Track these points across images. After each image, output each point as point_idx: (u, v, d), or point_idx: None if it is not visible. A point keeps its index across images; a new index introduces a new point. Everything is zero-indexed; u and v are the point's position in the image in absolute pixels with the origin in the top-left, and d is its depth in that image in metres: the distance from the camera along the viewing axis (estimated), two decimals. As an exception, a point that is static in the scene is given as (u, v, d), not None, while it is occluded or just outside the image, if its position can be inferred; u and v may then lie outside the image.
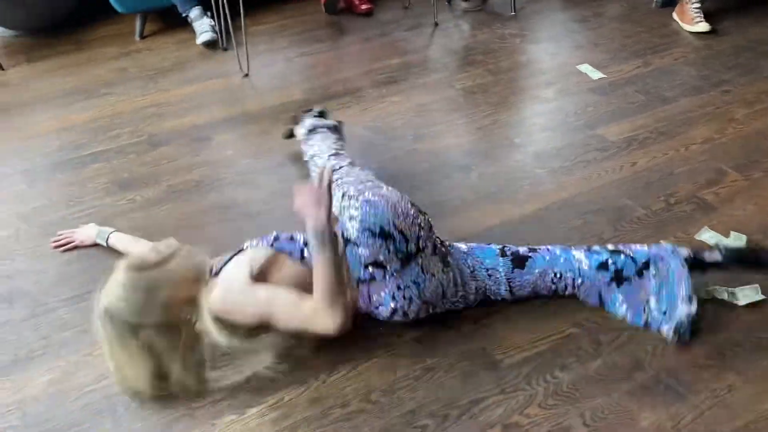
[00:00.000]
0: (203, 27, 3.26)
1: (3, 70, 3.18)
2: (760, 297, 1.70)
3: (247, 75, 3.03)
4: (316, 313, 1.47)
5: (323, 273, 1.47)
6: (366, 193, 1.62)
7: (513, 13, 3.48)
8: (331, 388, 1.55)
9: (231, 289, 1.51)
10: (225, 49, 3.26)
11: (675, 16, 3.27)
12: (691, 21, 3.15)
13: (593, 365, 1.57)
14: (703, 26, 3.12)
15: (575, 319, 1.69)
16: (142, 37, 3.46)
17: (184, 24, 3.37)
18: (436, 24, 3.39)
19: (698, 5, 3.16)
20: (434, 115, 2.64)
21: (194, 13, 3.29)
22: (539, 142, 2.44)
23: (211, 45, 3.26)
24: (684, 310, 1.57)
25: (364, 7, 3.51)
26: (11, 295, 1.88)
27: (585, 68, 2.89)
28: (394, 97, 2.79)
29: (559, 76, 2.86)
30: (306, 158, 2.18)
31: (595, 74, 2.85)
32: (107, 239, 1.98)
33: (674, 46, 3.06)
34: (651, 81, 2.78)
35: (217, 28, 3.24)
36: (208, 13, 3.28)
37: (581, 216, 2.05)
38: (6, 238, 2.10)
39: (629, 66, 2.91)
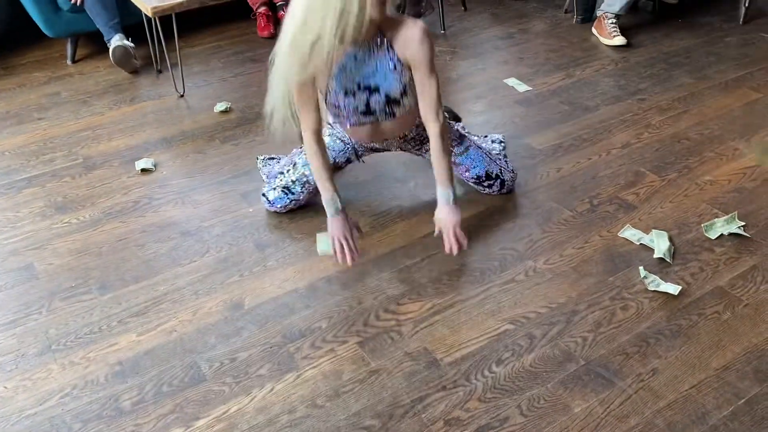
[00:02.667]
0: (115, 42, 3.17)
1: (-74, 97, 3.10)
2: (675, 292, 1.82)
3: (182, 95, 3.04)
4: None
5: None
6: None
7: (443, 31, 3.61)
8: (278, 396, 1.58)
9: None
10: (159, 71, 3.26)
11: (594, 30, 3.47)
12: (609, 35, 3.35)
13: (528, 358, 1.65)
14: (620, 40, 3.31)
15: (510, 315, 1.77)
16: (74, 61, 3.42)
17: (117, 47, 3.35)
18: (369, 42, 3.49)
19: (614, 21, 3.36)
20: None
21: (115, 39, 3.20)
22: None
23: (125, 58, 3.17)
24: None
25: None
26: (-57, 324, 1.84)
27: (512, 82, 3.03)
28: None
29: (488, 90, 2.99)
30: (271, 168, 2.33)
31: (522, 87, 2.99)
32: None
33: (594, 59, 3.24)
34: (574, 92, 2.94)
35: (134, 49, 3.23)
36: (130, 39, 3.24)
37: (512, 219, 2.15)
38: (-65, 266, 2.05)
39: (553, 78, 3.07)
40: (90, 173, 2.50)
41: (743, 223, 2.05)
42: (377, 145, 2.13)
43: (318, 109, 1.86)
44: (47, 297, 1.91)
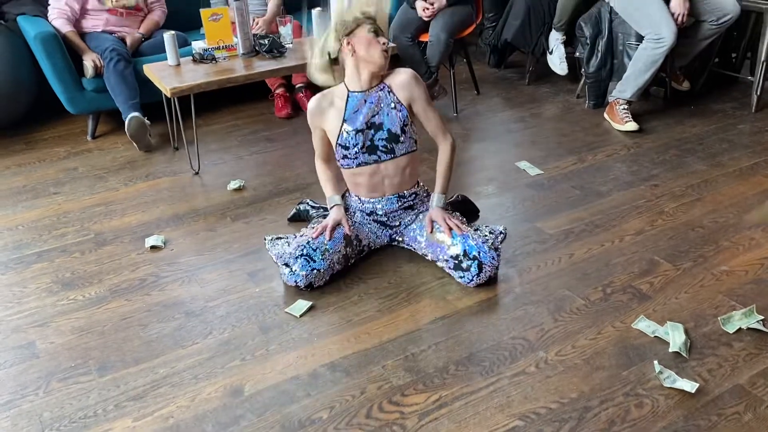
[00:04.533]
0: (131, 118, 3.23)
1: (-52, 170, 3.17)
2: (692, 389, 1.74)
3: (197, 173, 3.08)
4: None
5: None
6: None
7: (455, 114, 3.67)
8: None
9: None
10: (176, 149, 3.32)
11: (606, 116, 3.50)
12: (621, 121, 3.38)
13: (537, 458, 1.57)
14: (632, 126, 3.34)
15: (519, 411, 1.69)
16: (94, 137, 3.50)
17: (137, 124, 3.43)
18: (383, 124, 3.55)
19: (626, 107, 3.40)
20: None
21: (132, 115, 3.26)
22: (482, 236, 2.53)
23: (140, 131, 3.22)
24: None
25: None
26: (-63, 403, 1.80)
27: (524, 165, 3.04)
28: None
29: (500, 173, 3.00)
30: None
31: (534, 170, 2.99)
32: None
33: (606, 144, 3.26)
34: (586, 176, 2.94)
35: (149, 126, 3.30)
36: (147, 117, 3.29)
37: (522, 307, 2.10)
38: (-64, 342, 2.03)
39: (565, 162, 3.07)
40: (100, 249, 2.51)
41: (762, 317, 1.98)
42: (379, 212, 2.34)
43: (324, 146, 2.34)
44: (45, 377, 1.87)
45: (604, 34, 3.52)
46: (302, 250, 2.18)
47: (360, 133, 2.21)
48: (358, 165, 2.26)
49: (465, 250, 2.17)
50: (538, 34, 4.01)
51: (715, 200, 2.69)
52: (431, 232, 2.28)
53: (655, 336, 1.93)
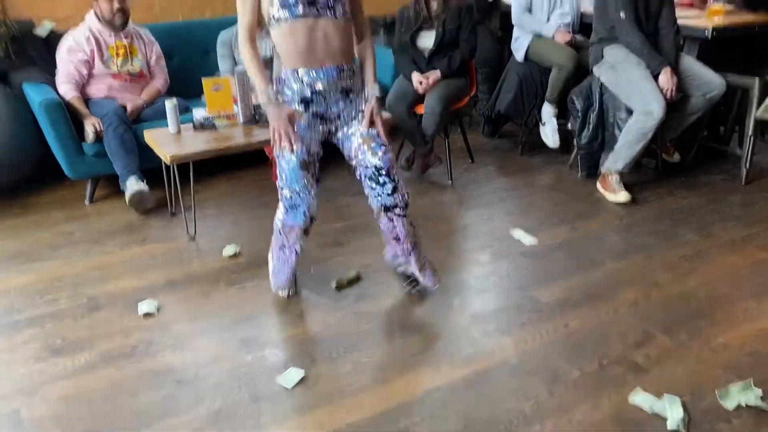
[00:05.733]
0: (132, 186, 3.29)
1: (-56, 232, 3.17)
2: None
3: (193, 238, 3.09)
4: None
5: None
6: None
7: (450, 182, 3.72)
8: None
9: None
10: (173, 214, 3.34)
11: (599, 186, 3.55)
12: (614, 191, 3.43)
13: None
14: (624, 196, 3.38)
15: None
16: (92, 201, 3.53)
17: (135, 189, 3.47)
18: (379, 191, 3.59)
19: (618, 178, 3.45)
20: (377, 276, 2.71)
21: (131, 180, 3.32)
22: (476, 305, 2.52)
23: (140, 202, 3.28)
24: None
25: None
26: None
27: (518, 233, 3.06)
28: (337, 258, 2.87)
29: (494, 240, 3.01)
30: None
31: (528, 239, 3.01)
32: None
33: (600, 214, 3.30)
34: (580, 246, 2.96)
35: (149, 192, 3.33)
36: (145, 181, 3.34)
37: (517, 378, 2.07)
38: None
39: (559, 231, 3.10)
40: (92, 314, 2.49)
41: (760, 392, 1.96)
42: (319, 87, 2.24)
43: (254, 13, 2.20)
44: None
45: (595, 107, 3.61)
46: (285, 203, 2.37)
47: None
48: (296, 17, 2.14)
49: (387, 168, 2.31)
50: (530, 107, 4.12)
51: (709, 271, 2.70)
52: (370, 126, 2.32)
53: (653, 412, 1.90)
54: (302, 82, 2.23)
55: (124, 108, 3.48)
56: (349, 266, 2.78)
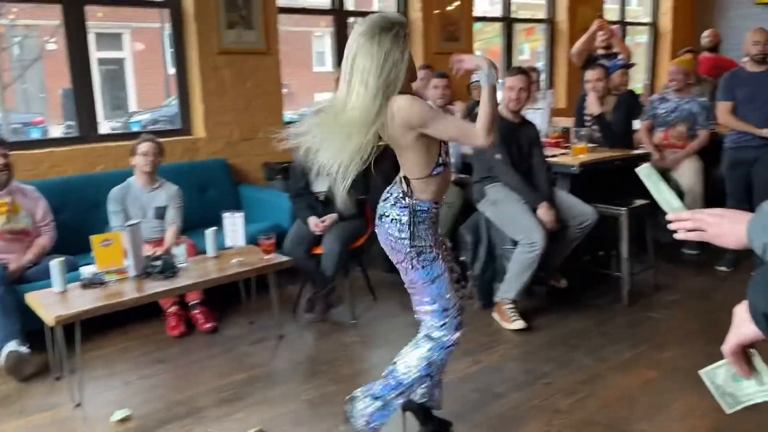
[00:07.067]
0: (7, 349, 3.04)
1: None
2: None
3: (78, 404, 2.86)
4: (477, 132, 2.16)
5: (489, 99, 2.15)
6: None
7: (353, 321, 3.72)
8: None
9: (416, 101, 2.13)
10: (57, 378, 3.10)
11: (495, 316, 3.67)
12: (509, 320, 3.54)
13: None
14: (519, 324, 3.50)
15: None
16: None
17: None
18: (281, 336, 3.52)
19: (512, 306, 3.59)
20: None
21: (10, 344, 3.07)
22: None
23: (18, 366, 3.02)
24: None
25: (207, 325, 3.59)
26: None
27: (422, 371, 3.06)
28: (238, 414, 2.74)
29: (399, 381, 2.99)
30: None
31: (432, 376, 3.01)
32: None
33: (499, 343, 3.38)
34: (482, 378, 2.99)
35: (29, 356, 3.11)
36: (28, 345, 3.11)
37: None
38: None
39: (461, 365, 3.13)
40: (-44, 506, 2.20)
41: None
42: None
43: None
44: None
45: (484, 241, 3.81)
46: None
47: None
48: (450, 170, 2.31)
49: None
50: (425, 242, 4.28)
51: (606, 395, 2.79)
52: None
53: None
54: (436, 211, 2.35)
55: (5, 267, 3.30)
56: (248, 425, 2.65)
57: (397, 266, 2.30)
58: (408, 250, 2.20)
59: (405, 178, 2.22)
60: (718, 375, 1.17)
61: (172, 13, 4.59)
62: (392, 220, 2.22)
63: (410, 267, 2.23)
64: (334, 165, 2.09)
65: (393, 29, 2.07)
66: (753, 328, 0.81)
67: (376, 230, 2.33)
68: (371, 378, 3.05)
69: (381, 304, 4.03)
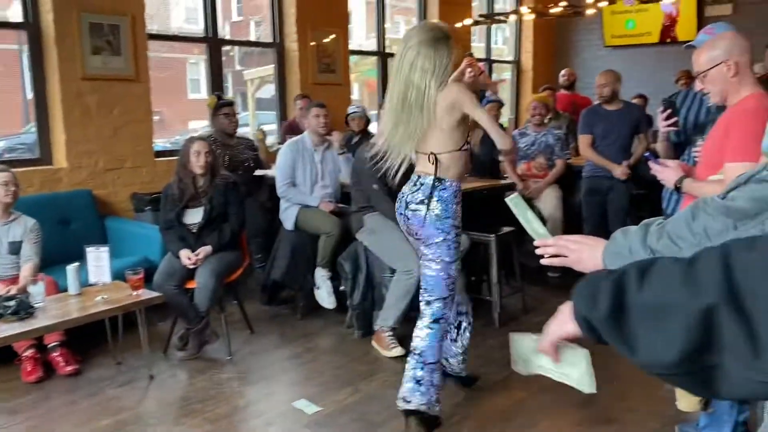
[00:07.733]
0: None
1: None
2: None
3: None
4: (504, 134, 2.68)
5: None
6: None
7: (229, 357, 3.59)
8: None
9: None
10: None
11: (374, 344, 3.69)
12: (387, 347, 3.58)
13: None
14: (398, 351, 3.55)
15: None
16: None
17: None
18: (152, 377, 3.32)
19: (391, 333, 3.63)
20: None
21: None
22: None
23: None
24: None
25: (69, 368, 3.33)
26: None
27: (300, 404, 3.01)
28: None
29: (277, 416, 2.93)
30: None
31: (311, 408, 2.97)
32: None
33: (378, 372, 3.40)
34: (362, 407, 2.99)
35: None
36: None
37: None
38: None
39: (341, 395, 3.11)
40: None
41: None
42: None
43: None
44: None
45: (363, 270, 3.84)
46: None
47: None
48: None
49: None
50: (304, 272, 4.25)
51: (483, 416, 2.88)
52: None
53: None
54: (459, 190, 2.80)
55: None
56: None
57: (428, 248, 2.69)
58: (449, 228, 2.67)
59: (433, 155, 2.58)
60: (525, 343, 1.25)
61: (30, 36, 4.31)
62: (438, 200, 2.61)
63: (445, 247, 2.67)
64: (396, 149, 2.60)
65: (448, 38, 2.55)
66: (574, 326, 0.94)
67: (407, 222, 2.71)
68: (249, 415, 2.96)
69: (259, 337, 3.93)
